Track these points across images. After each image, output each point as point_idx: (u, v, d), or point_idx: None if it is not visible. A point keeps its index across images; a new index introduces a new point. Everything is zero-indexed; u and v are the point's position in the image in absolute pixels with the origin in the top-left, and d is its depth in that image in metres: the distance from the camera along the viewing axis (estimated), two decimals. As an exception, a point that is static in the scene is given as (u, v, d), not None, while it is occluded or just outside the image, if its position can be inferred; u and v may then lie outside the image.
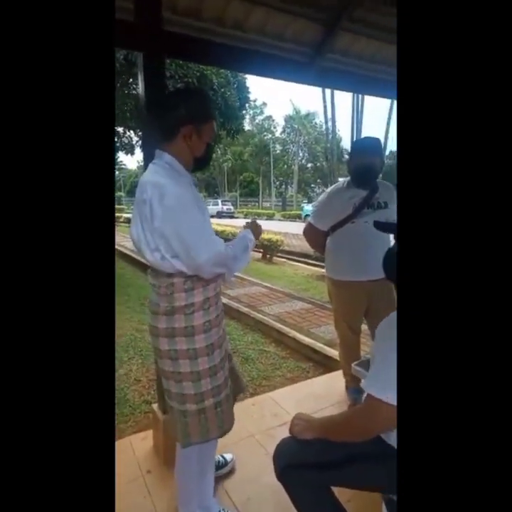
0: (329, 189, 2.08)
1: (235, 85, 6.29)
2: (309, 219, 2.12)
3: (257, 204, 40.03)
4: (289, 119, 39.44)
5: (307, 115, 38.28)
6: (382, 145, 2.00)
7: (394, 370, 0.85)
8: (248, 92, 6.84)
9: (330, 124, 16.70)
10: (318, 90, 25.23)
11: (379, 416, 0.91)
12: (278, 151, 41.09)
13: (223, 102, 5.78)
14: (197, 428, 1.16)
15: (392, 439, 1.01)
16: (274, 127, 44.27)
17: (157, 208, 1.03)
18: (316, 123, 38.83)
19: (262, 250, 8.49)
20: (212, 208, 25.49)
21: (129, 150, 9.09)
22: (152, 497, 1.49)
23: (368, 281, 1.97)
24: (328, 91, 16.05)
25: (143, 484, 1.55)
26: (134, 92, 6.04)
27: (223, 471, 1.59)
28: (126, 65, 4.95)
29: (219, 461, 1.60)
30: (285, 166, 41.11)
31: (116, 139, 8.37)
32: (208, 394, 1.15)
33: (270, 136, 41.93)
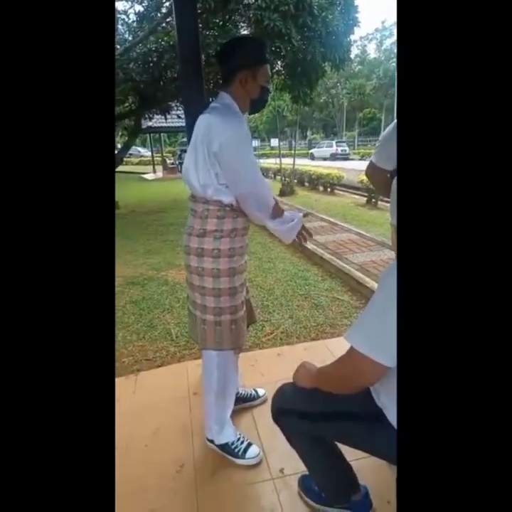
0: (395, 121, 1.77)
1: (339, 7, 5.54)
2: (371, 157, 1.87)
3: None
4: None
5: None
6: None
7: (379, 321, 0.79)
8: (356, 12, 5.97)
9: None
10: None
11: (358, 368, 0.83)
12: (406, 80, 35.93)
13: (323, 28, 5.17)
14: (212, 336, 1.36)
15: (382, 400, 0.93)
16: (405, 51, 38.35)
17: (216, 139, 1.17)
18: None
19: (366, 194, 7.93)
20: (326, 150, 24.24)
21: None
22: (191, 414, 1.69)
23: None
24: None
25: (187, 403, 1.76)
26: (233, 30, 5.88)
27: (254, 402, 1.71)
28: (221, 1, 4.79)
29: (251, 394, 1.72)
30: (414, 98, 35.99)
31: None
32: (225, 310, 1.34)
33: (398, 62, 36.59)
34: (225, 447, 1.44)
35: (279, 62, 6.57)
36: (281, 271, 3.74)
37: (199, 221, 1.29)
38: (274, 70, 6.75)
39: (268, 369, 2.00)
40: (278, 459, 1.43)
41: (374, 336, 0.79)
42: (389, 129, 1.78)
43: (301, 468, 1.23)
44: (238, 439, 1.45)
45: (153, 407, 1.76)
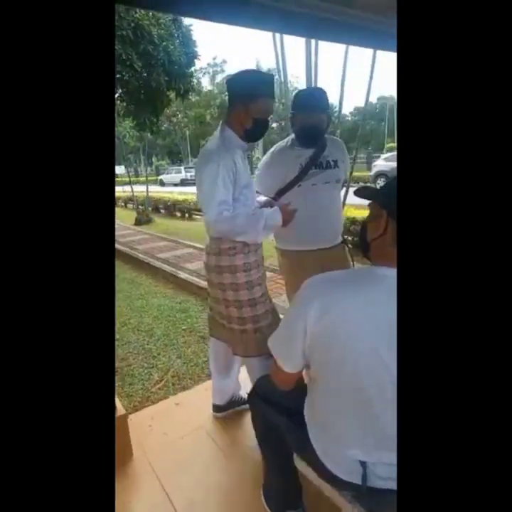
0: (271, 150, 1.84)
1: (179, 39, 5.67)
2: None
3: (223, 169, 38.77)
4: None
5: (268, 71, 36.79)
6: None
7: (285, 333, 0.89)
8: (195, 46, 6.21)
9: (283, 75, 15.99)
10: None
11: (274, 370, 0.96)
12: (240, 112, 39.56)
13: (166, 57, 5.19)
14: (240, 345, 1.51)
15: (306, 412, 0.99)
16: (235, 86, 42.23)
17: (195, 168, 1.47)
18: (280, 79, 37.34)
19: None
20: (175, 176, 24.48)
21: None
22: None
23: (319, 250, 1.80)
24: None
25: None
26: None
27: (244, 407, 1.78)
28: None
29: (242, 398, 1.81)
30: (249, 128, 39.92)
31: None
32: (248, 320, 1.46)
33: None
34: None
35: (120, 88, 6.29)
36: (156, 307, 3.45)
37: (214, 241, 1.44)
38: (116, 95, 6.43)
39: (171, 425, 1.75)
40: None
41: (280, 345, 0.91)
42: (266, 156, 1.86)
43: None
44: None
45: None
